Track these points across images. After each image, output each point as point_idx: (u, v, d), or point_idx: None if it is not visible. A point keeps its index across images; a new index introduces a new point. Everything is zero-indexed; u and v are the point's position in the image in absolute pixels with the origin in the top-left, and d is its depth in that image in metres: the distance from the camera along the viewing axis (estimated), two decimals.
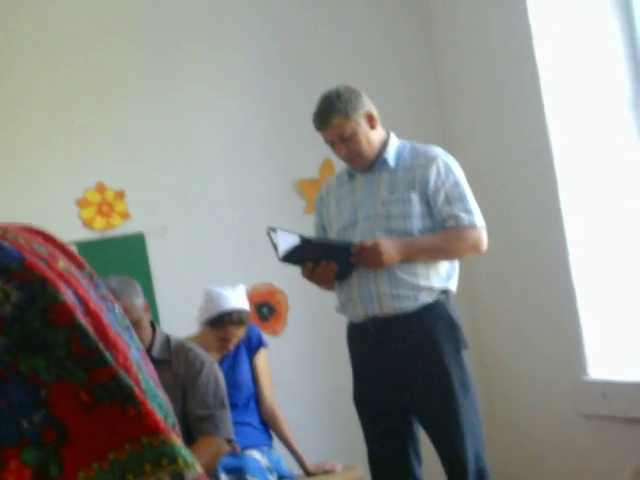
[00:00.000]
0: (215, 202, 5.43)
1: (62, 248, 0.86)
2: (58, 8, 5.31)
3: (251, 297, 5.25)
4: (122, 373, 0.77)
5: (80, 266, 0.85)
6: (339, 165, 4.50)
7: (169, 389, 3.80)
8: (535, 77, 4.80)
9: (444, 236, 3.83)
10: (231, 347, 4.54)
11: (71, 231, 5.15)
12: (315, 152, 5.35)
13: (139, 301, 3.89)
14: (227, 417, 3.99)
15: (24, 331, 0.75)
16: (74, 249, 5.10)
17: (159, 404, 0.82)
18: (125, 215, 5.30)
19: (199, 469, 0.81)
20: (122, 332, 0.83)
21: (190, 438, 3.84)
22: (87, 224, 5.25)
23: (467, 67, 5.47)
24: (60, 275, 0.80)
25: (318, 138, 4.06)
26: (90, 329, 0.78)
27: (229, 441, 4.02)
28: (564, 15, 4.78)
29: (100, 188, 5.27)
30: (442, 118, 5.69)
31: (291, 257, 3.79)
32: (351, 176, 3.98)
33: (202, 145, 5.45)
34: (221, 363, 4.50)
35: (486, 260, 5.40)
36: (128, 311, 3.72)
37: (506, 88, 5.12)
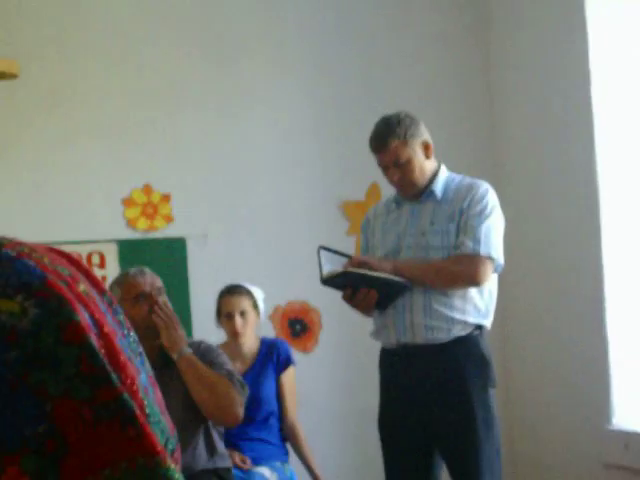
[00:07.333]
0: (258, 215, 5.47)
1: (86, 272, 0.89)
2: (123, 8, 5.39)
3: (285, 313, 5.29)
4: (126, 395, 0.80)
5: (101, 292, 0.88)
6: (386, 190, 4.49)
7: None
8: (589, 122, 4.79)
9: (443, 260, 3.77)
10: (239, 327, 4.53)
11: (114, 229, 5.21)
12: (364, 175, 5.37)
13: (160, 284, 3.91)
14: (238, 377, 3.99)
15: (37, 346, 0.78)
16: (115, 247, 5.16)
17: (161, 430, 0.85)
18: (169, 219, 5.35)
19: None
20: (134, 358, 0.86)
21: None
22: (131, 224, 5.31)
23: (522, 108, 5.47)
24: (79, 297, 0.83)
25: (368, 162, 4.07)
26: (101, 350, 0.81)
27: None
28: (624, 62, 4.77)
29: (147, 189, 5.33)
30: (493, 156, 5.69)
31: (332, 282, 3.79)
32: (398, 204, 3.96)
33: (251, 157, 5.49)
34: (243, 377, 4.50)
35: (522, 299, 5.40)
36: (152, 284, 3.79)
37: (559, 131, 5.11)
